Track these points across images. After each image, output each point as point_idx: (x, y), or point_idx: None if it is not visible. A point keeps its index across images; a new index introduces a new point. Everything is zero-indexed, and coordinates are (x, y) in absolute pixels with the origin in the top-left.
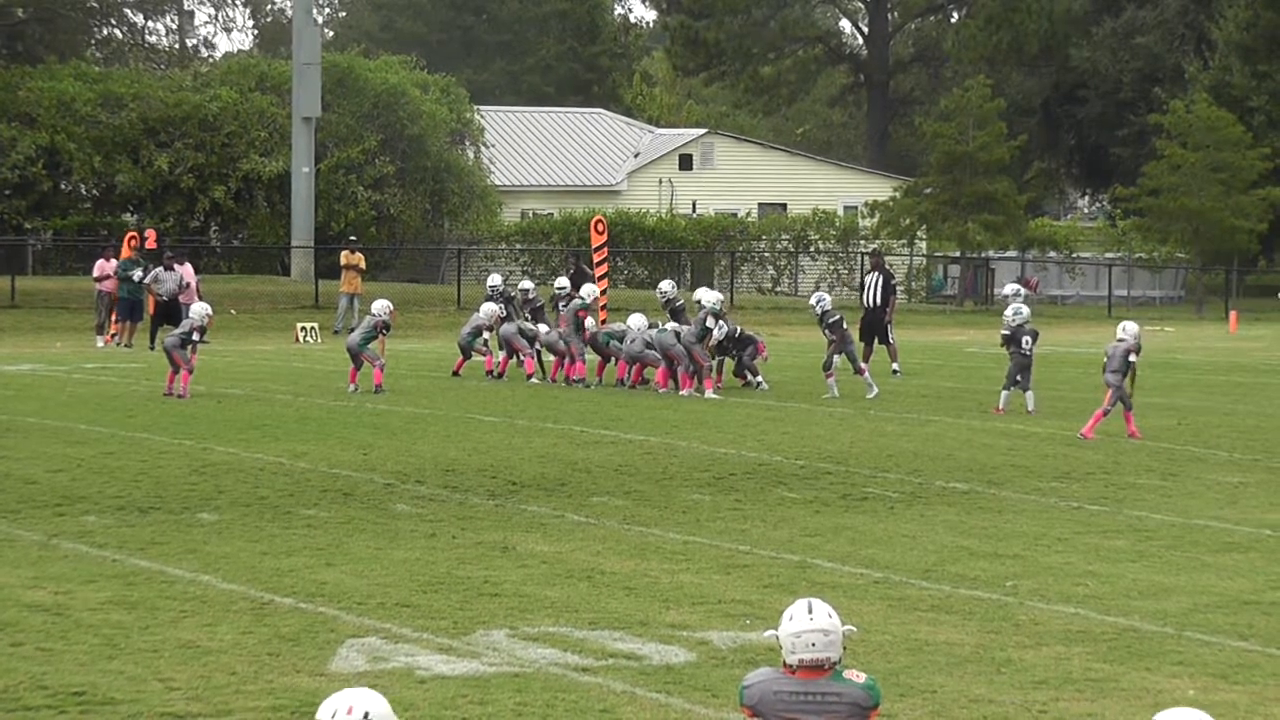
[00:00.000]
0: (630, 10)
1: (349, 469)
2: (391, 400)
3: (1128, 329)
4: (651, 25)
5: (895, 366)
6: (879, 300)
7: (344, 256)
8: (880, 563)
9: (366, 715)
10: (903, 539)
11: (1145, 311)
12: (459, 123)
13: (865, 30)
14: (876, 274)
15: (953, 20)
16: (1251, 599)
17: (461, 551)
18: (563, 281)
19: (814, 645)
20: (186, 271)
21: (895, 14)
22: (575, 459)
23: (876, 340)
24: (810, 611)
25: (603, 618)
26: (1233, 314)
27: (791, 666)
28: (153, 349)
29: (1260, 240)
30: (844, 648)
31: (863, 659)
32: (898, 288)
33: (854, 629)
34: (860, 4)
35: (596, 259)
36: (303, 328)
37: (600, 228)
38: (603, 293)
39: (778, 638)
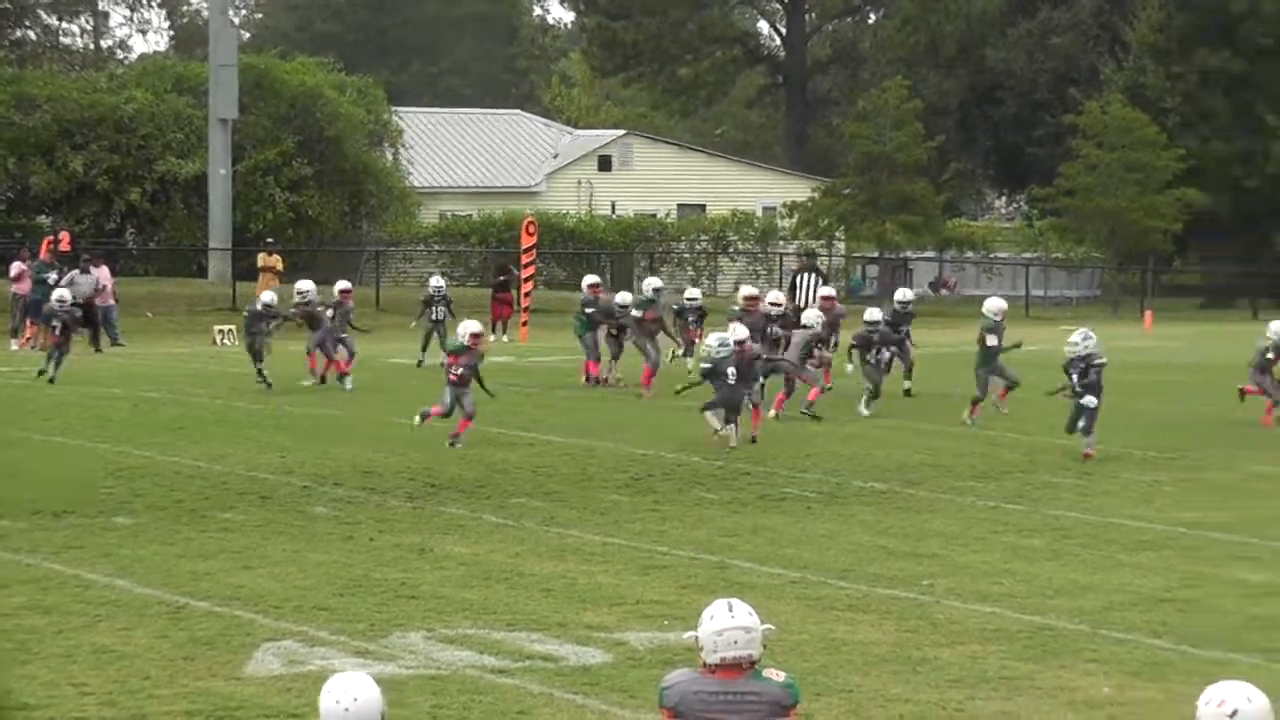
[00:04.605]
0: (548, 12)
1: (266, 472)
2: (309, 402)
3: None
4: (569, 26)
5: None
6: (811, 301)
7: (261, 258)
8: (798, 562)
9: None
10: (820, 539)
11: (1061, 311)
12: (377, 124)
13: (783, 31)
14: (810, 275)
15: (870, 22)
16: (1165, 597)
17: (379, 554)
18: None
19: (736, 643)
20: (103, 274)
21: (813, 15)
22: (494, 460)
23: None
24: (731, 610)
25: (520, 619)
26: (1148, 313)
27: (711, 666)
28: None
29: (1175, 240)
30: (763, 646)
31: (780, 658)
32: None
33: (773, 628)
34: (778, 5)
35: (524, 260)
36: (220, 330)
37: (531, 229)
38: (527, 294)
39: (697, 638)
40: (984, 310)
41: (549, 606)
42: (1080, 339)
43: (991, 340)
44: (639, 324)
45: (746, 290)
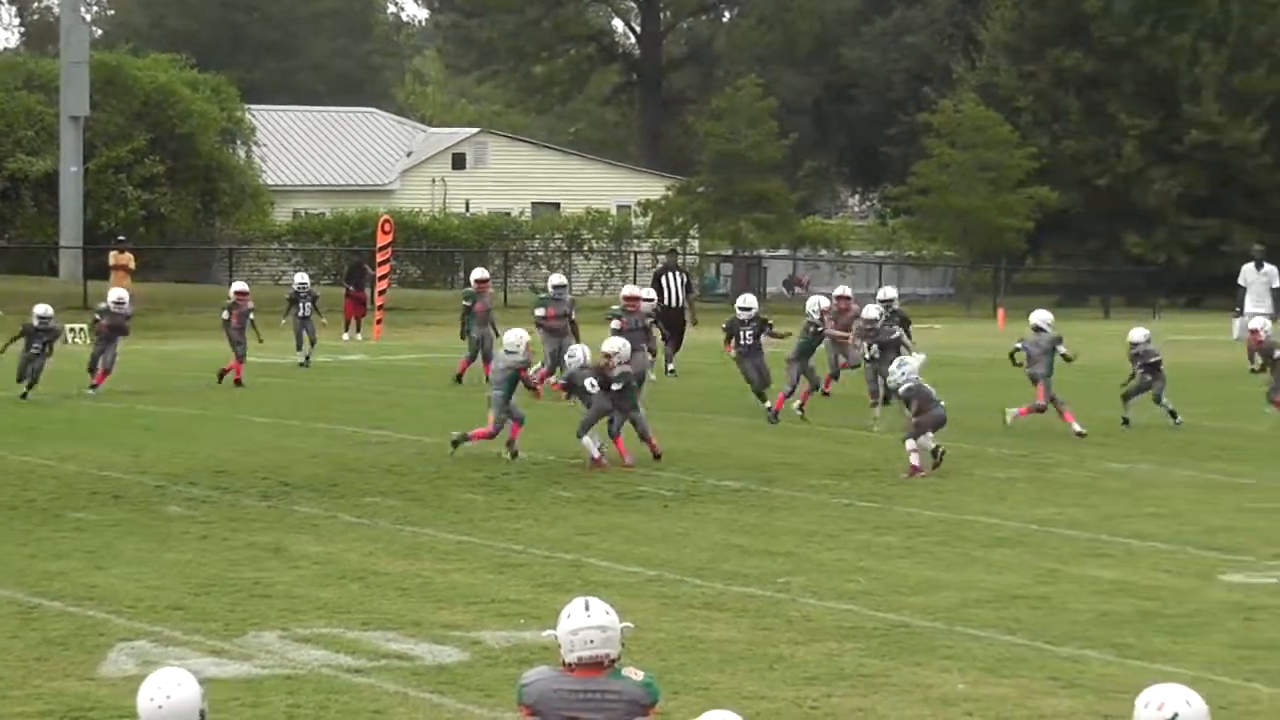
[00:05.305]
0: (402, 9)
1: (119, 471)
2: (162, 401)
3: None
4: (423, 24)
5: (671, 366)
6: (680, 300)
7: (113, 256)
8: (654, 561)
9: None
10: (676, 537)
11: (915, 309)
12: (230, 121)
13: (638, 29)
14: (673, 274)
15: (725, 20)
16: (1019, 593)
17: (233, 553)
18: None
19: (592, 642)
20: None
21: (668, 13)
22: (348, 459)
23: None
24: (588, 609)
25: (375, 618)
26: (1000, 311)
27: (570, 665)
28: None
29: (1028, 239)
30: (622, 645)
31: (636, 657)
32: (695, 286)
33: (631, 626)
34: (633, 3)
35: (380, 259)
36: (71, 329)
37: (387, 228)
38: (382, 293)
39: (556, 637)
40: (1040, 323)
41: (404, 605)
42: (895, 367)
43: (1061, 349)
44: (540, 323)
45: (627, 290)
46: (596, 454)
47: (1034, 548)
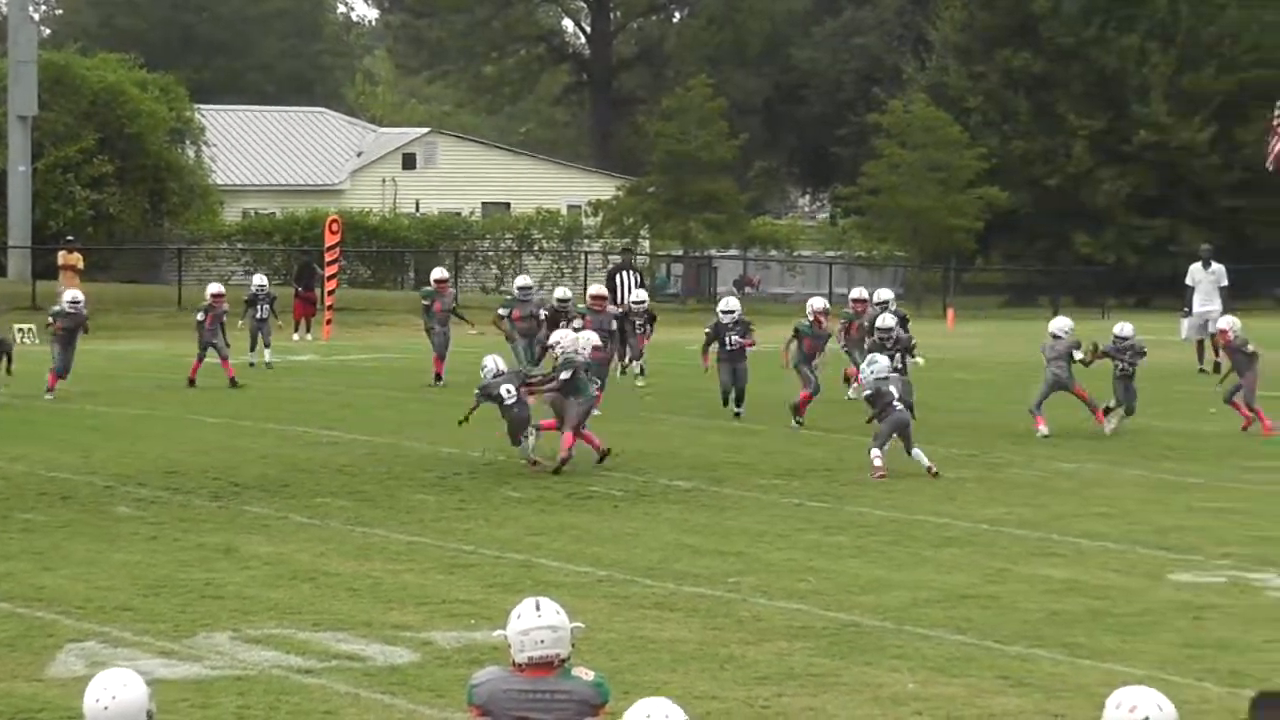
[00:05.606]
0: (352, 9)
1: (68, 471)
2: (112, 401)
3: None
4: (373, 24)
5: (624, 366)
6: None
7: (62, 256)
8: (604, 561)
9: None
10: (627, 537)
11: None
12: (179, 121)
13: (588, 30)
14: (627, 272)
15: (675, 20)
16: (969, 593)
17: (183, 553)
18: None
19: (542, 642)
20: None
21: (618, 13)
22: (299, 459)
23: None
24: (538, 609)
25: (326, 619)
26: (950, 311)
27: (520, 665)
28: None
29: (977, 239)
30: (573, 645)
31: (587, 657)
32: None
33: (582, 626)
34: (583, 3)
35: (328, 259)
36: (20, 329)
37: (335, 228)
38: (331, 293)
39: (506, 637)
40: (1056, 330)
41: (355, 606)
42: (865, 366)
43: (1078, 355)
44: (504, 323)
45: (595, 289)
46: (534, 459)
47: (984, 547)
